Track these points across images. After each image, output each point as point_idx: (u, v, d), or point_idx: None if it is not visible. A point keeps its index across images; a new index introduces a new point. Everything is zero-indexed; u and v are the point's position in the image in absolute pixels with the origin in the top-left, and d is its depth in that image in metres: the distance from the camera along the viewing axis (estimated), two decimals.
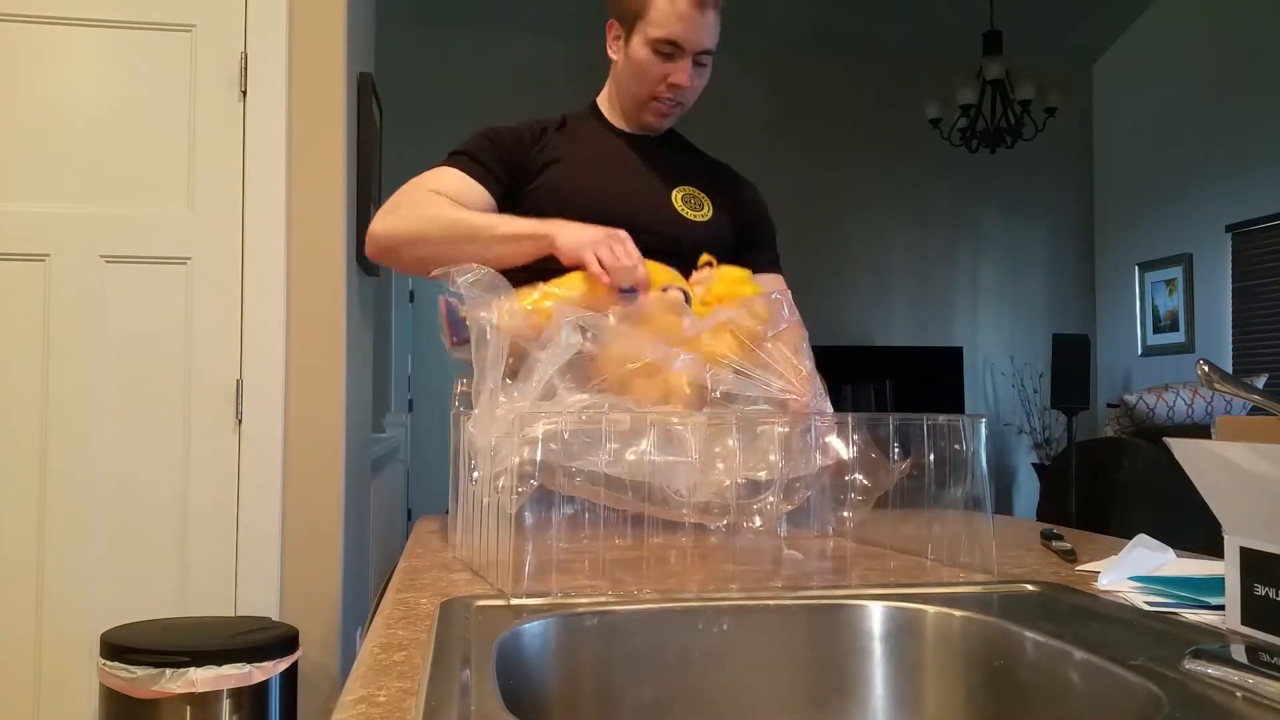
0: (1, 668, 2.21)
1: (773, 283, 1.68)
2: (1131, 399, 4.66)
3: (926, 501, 0.90)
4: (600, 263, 1.18)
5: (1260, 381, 4.59)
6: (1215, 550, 0.74)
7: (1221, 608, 0.71)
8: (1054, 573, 0.91)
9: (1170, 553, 0.92)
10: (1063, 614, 0.76)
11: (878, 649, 0.77)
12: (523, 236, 1.30)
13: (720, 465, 0.93)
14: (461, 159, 1.48)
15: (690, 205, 1.58)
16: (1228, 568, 0.68)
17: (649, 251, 1.28)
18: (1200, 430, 4.33)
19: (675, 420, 0.94)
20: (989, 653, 0.72)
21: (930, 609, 0.77)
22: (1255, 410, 0.83)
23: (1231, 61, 5.36)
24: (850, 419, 0.93)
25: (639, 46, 1.51)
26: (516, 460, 0.83)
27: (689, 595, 0.80)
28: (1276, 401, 0.70)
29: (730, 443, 0.94)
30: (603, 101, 1.66)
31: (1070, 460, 4.07)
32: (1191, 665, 0.58)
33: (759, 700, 0.77)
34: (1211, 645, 0.63)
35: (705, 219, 1.58)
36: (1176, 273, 5.73)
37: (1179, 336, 5.72)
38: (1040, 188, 6.31)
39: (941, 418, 0.89)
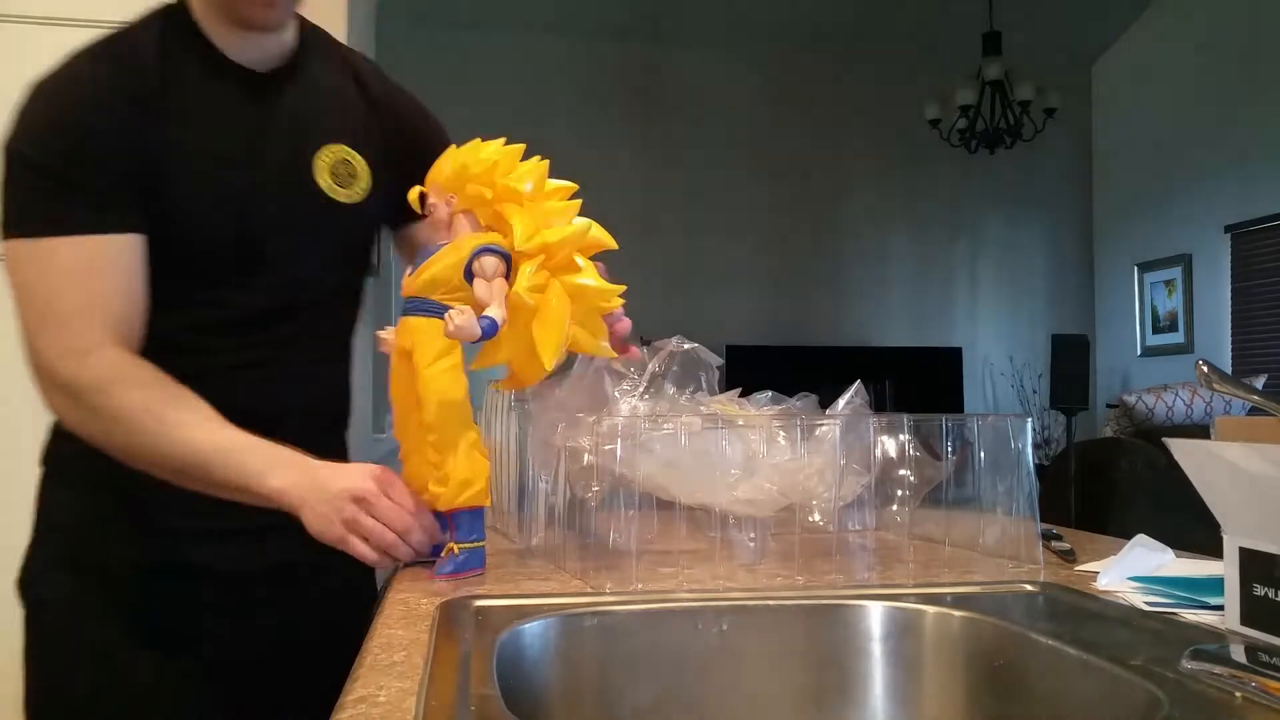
0: (1, 668, 2.21)
1: None
2: (1131, 399, 4.66)
3: (975, 499, 0.95)
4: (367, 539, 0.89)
5: (1259, 382, 4.59)
6: (1214, 550, 0.74)
7: (1220, 608, 0.71)
8: (1053, 573, 0.91)
9: (1169, 553, 0.92)
10: (1062, 614, 0.76)
11: (877, 649, 0.77)
12: (252, 494, 0.91)
13: (784, 462, 0.98)
14: (85, 210, 0.93)
15: (340, 179, 1.08)
16: (1227, 568, 0.68)
17: (294, 258, 1.02)
18: (1199, 431, 4.33)
19: (741, 422, 0.99)
20: (988, 653, 0.73)
21: (929, 609, 0.77)
22: (1254, 411, 0.83)
23: (1231, 62, 5.36)
24: (905, 419, 0.98)
25: None
26: (594, 458, 0.90)
27: (689, 595, 0.80)
28: (1275, 402, 0.70)
29: (792, 442, 0.98)
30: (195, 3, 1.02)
31: (1069, 460, 4.07)
32: (1191, 665, 0.58)
33: (759, 700, 0.77)
34: (1210, 645, 0.63)
35: (360, 195, 1.09)
36: (1175, 273, 5.73)
37: (1178, 337, 5.72)
38: (1039, 188, 6.31)
39: (991, 417, 0.96)
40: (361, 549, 0.88)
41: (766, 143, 5.91)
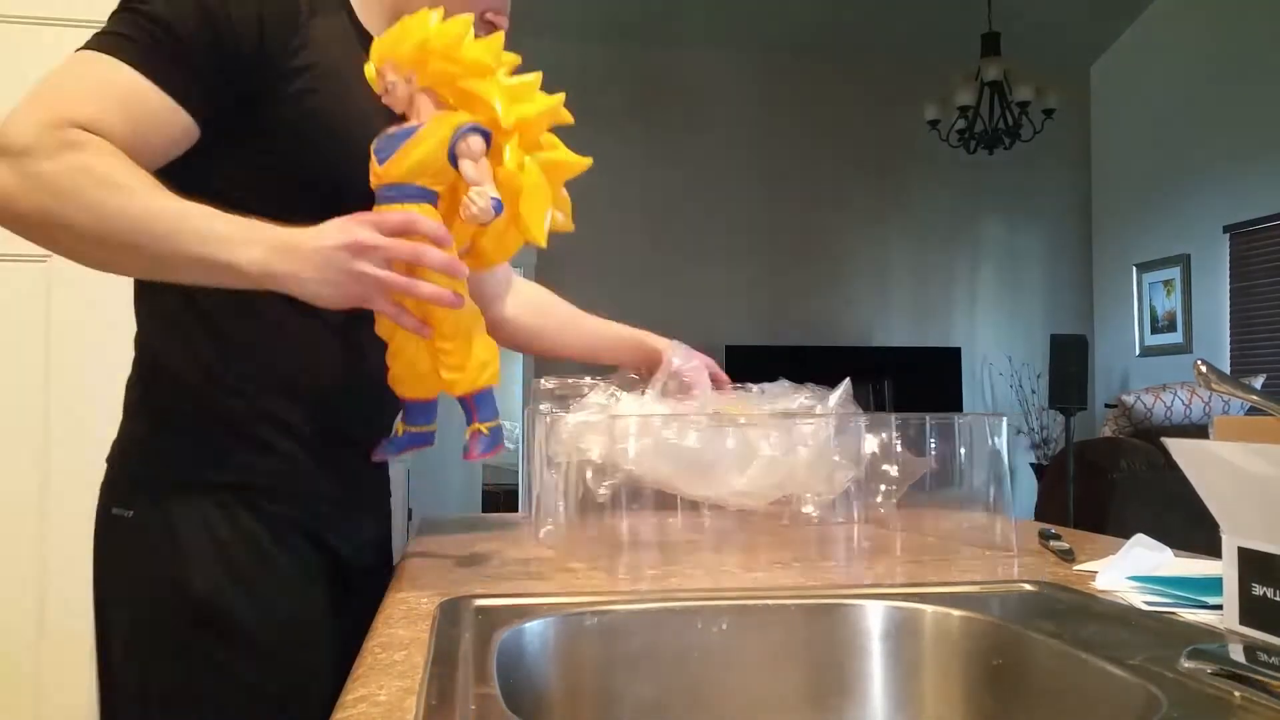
0: (1, 668, 2.21)
1: None
2: (1129, 399, 4.66)
3: (952, 494, 1.00)
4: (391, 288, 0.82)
5: (1258, 382, 4.59)
6: (1213, 550, 0.74)
7: (1219, 607, 0.71)
8: (1052, 573, 0.91)
9: (1168, 552, 0.93)
10: (1061, 614, 0.76)
11: (877, 648, 0.77)
12: (221, 267, 0.82)
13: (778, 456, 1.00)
14: (155, 52, 0.86)
15: None
16: (1225, 567, 0.68)
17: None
18: (1198, 431, 4.33)
19: (742, 420, 1.01)
20: (987, 652, 0.73)
21: (929, 608, 0.77)
22: (1253, 410, 0.83)
23: (1230, 62, 5.36)
24: (892, 419, 1.01)
25: None
26: (603, 455, 0.92)
27: (689, 595, 0.80)
28: (1274, 402, 0.70)
29: (790, 438, 1.00)
30: None
31: (1068, 460, 4.07)
32: (1189, 664, 0.59)
33: (758, 699, 0.77)
34: (1209, 645, 0.63)
35: None
36: (1174, 273, 5.73)
37: (1177, 337, 5.72)
38: (1038, 189, 6.31)
39: (969, 416, 1.00)
40: (388, 306, 0.82)
41: (766, 143, 5.91)
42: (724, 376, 1.24)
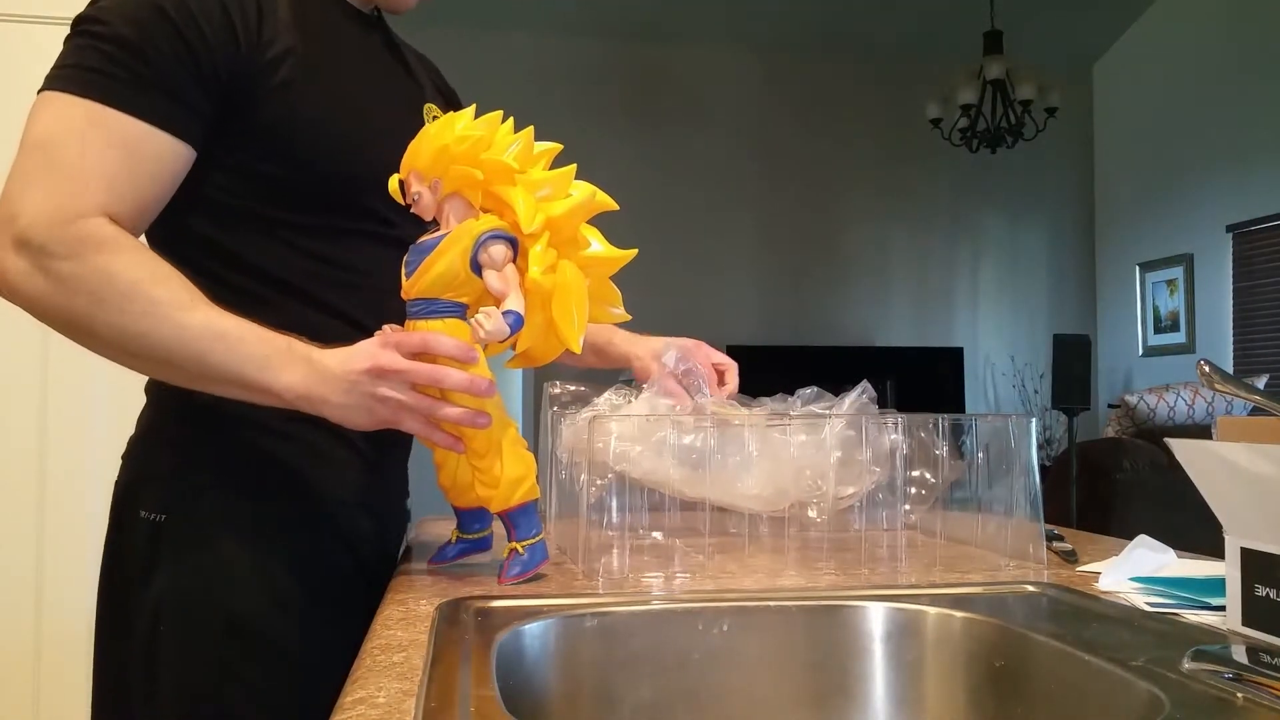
0: (1, 668, 2.21)
1: None
2: (1132, 399, 4.65)
3: (977, 499, 0.97)
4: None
5: (1261, 382, 4.58)
6: (1216, 551, 0.74)
7: (1222, 608, 0.70)
8: (1055, 574, 0.91)
9: (1171, 553, 0.92)
10: (1064, 615, 0.76)
11: (878, 650, 0.77)
12: (257, 389, 0.81)
13: (785, 458, 1.00)
14: (140, 87, 0.82)
15: None
16: (1228, 568, 0.68)
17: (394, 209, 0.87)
18: (1201, 431, 4.33)
19: (736, 421, 1.00)
20: (990, 653, 0.72)
21: (931, 610, 0.77)
22: (1256, 411, 0.83)
23: (1231, 61, 5.35)
24: (939, 420, 0.99)
25: None
26: (610, 456, 0.92)
27: (689, 595, 0.80)
28: (1277, 402, 0.70)
29: (800, 438, 1.00)
30: None
31: (1071, 461, 4.07)
32: (1192, 666, 0.58)
33: (759, 701, 0.77)
34: (1212, 646, 0.63)
35: None
36: (1177, 273, 5.72)
37: (1180, 337, 5.71)
38: (1041, 188, 6.30)
39: (990, 417, 0.98)
40: (417, 426, 0.81)
41: (768, 142, 5.91)
42: (715, 381, 1.19)
